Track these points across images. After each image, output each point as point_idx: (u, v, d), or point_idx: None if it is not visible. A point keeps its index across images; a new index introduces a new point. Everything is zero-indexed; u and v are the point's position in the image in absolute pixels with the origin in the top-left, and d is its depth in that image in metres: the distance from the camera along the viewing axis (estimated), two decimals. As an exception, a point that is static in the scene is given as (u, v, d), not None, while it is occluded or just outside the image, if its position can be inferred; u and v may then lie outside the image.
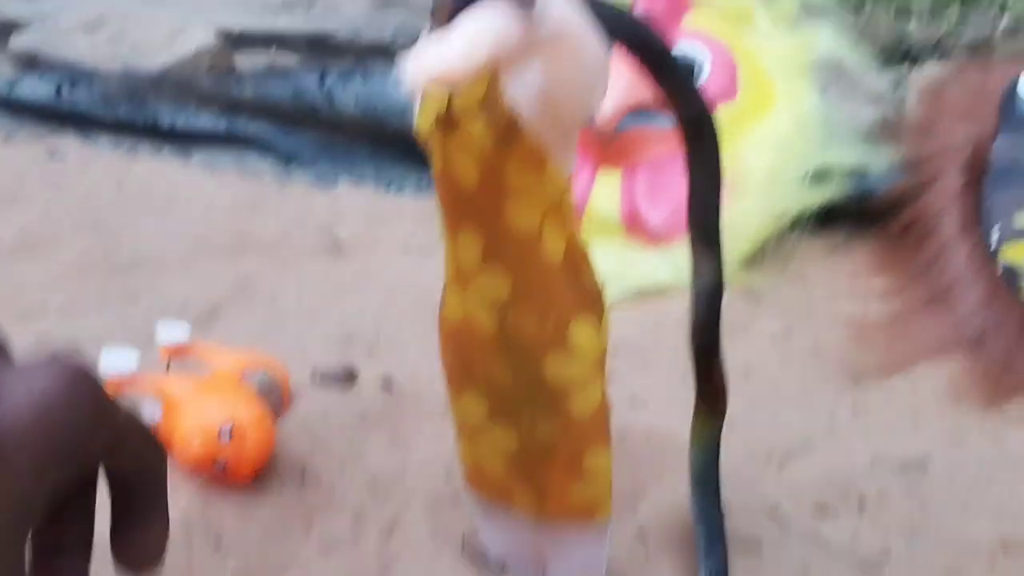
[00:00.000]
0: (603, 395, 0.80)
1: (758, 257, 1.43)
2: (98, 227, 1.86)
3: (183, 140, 2.17)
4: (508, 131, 0.67)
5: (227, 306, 1.56)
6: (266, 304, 1.55)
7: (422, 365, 1.29)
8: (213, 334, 1.48)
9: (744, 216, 1.40)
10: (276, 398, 1.16)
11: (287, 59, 2.52)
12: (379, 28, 2.46)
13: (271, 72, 2.03)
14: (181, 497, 1.02)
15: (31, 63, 2.45)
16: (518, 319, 0.75)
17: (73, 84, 2.28)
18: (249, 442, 1.01)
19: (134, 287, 1.64)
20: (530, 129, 0.67)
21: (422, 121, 0.71)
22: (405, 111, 1.88)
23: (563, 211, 0.73)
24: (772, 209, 1.42)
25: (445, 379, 0.85)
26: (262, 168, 2.05)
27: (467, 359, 0.80)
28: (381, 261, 1.63)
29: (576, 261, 0.75)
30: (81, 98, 2.26)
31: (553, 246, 0.73)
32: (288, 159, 2.05)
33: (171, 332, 1.17)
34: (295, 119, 2.02)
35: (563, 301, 0.75)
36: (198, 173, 2.07)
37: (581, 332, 0.76)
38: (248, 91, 2.04)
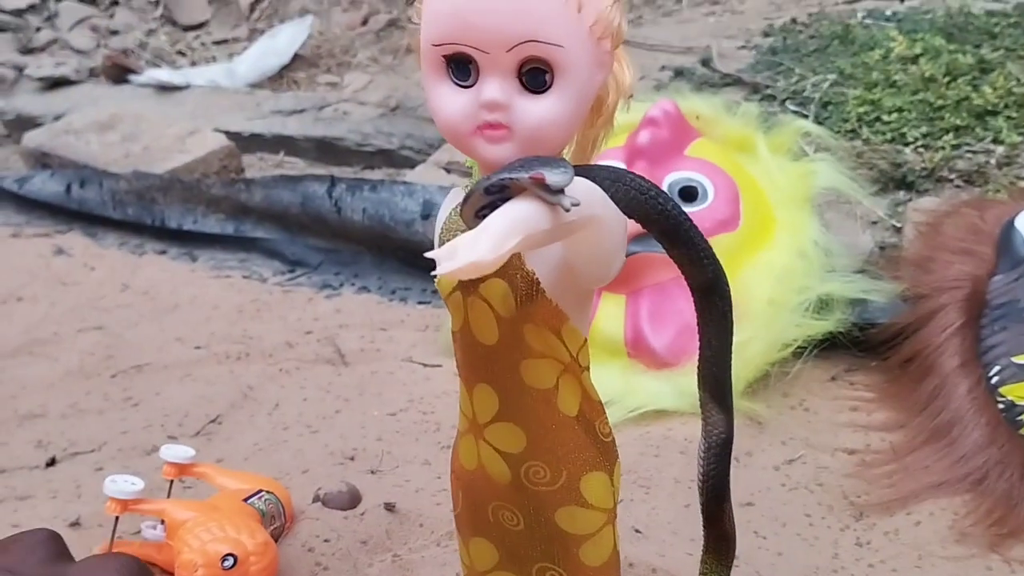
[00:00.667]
0: (614, 545, 0.80)
1: (760, 385, 1.45)
2: (102, 329, 1.87)
3: (189, 241, 2.19)
4: (528, 295, 0.69)
5: (228, 415, 1.56)
6: (267, 415, 1.55)
7: (425, 486, 1.29)
8: (214, 444, 1.48)
9: (746, 344, 1.41)
10: (279, 521, 1.15)
11: (296, 163, 2.58)
12: (387, 135, 2.52)
13: (280, 179, 2.06)
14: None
15: (43, 160, 2.50)
16: (533, 471, 0.75)
17: (83, 183, 2.32)
18: (252, 570, 1.00)
19: (135, 392, 1.64)
20: (550, 295, 0.69)
21: (443, 281, 0.73)
22: (411, 223, 1.93)
23: (579, 367, 0.74)
24: (774, 337, 1.44)
25: (455, 524, 0.85)
26: (267, 272, 2.08)
27: (480, 506, 0.80)
28: (383, 373, 1.64)
29: (590, 415, 0.76)
30: (90, 197, 2.30)
31: (568, 401, 0.74)
32: (293, 264, 2.08)
33: (175, 452, 1.17)
34: (302, 225, 2.06)
35: (577, 455, 0.75)
36: (203, 276, 2.09)
37: (594, 485, 0.76)
38: (257, 196, 2.07)
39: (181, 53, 3.36)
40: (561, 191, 0.58)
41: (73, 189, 2.32)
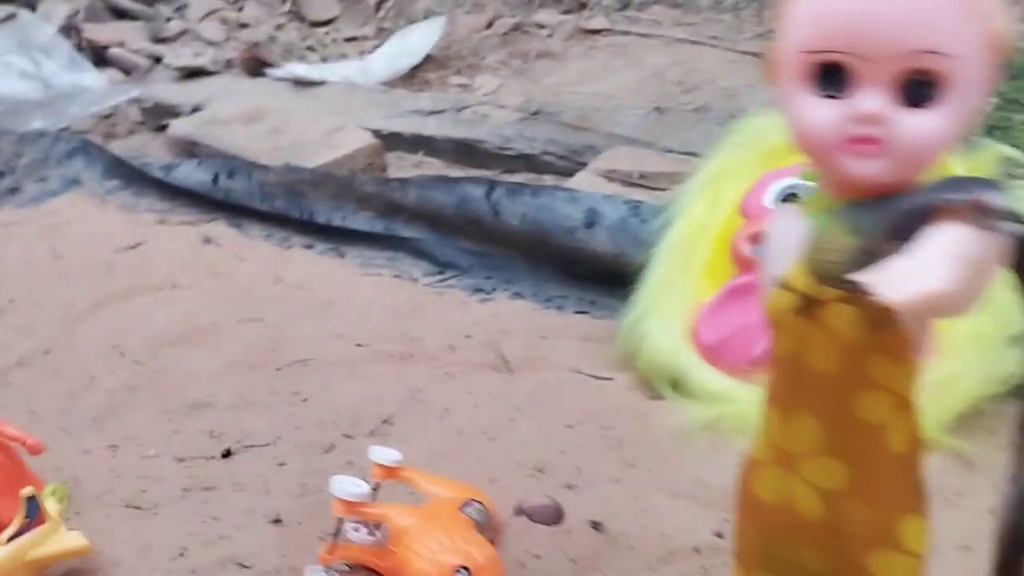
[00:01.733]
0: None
1: (968, 421, 1.38)
2: (261, 321, 1.87)
3: (337, 237, 2.19)
4: (881, 322, 0.65)
5: (399, 417, 1.54)
6: (438, 419, 1.53)
7: (626, 506, 1.25)
8: (390, 447, 1.46)
9: (952, 378, 1.35)
10: (488, 534, 1.12)
11: (434, 163, 2.57)
12: (528, 139, 2.50)
13: (436, 180, 2.05)
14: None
15: (190, 149, 2.53)
16: (851, 510, 0.71)
17: (231, 174, 2.33)
18: (483, 586, 0.97)
19: (303, 388, 1.63)
20: (905, 323, 0.65)
21: (776, 302, 0.69)
22: (572, 231, 1.89)
23: (913, 401, 0.70)
24: (980, 371, 1.37)
25: (736, 555, 0.81)
26: (416, 272, 2.06)
27: (775, 542, 0.76)
28: (553, 383, 1.61)
29: (916, 455, 0.71)
30: (238, 187, 2.32)
31: (899, 438, 0.70)
32: (443, 265, 2.06)
33: (384, 455, 1.15)
34: (455, 226, 2.04)
35: (899, 496, 0.71)
36: (353, 273, 2.08)
37: (913, 529, 0.71)
38: (411, 196, 2.06)
39: (311, 49, 3.39)
40: (1001, 215, 0.53)
41: (221, 179, 2.34)
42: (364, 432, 1.50)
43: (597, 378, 1.61)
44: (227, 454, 1.46)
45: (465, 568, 0.96)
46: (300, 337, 1.81)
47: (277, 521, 1.22)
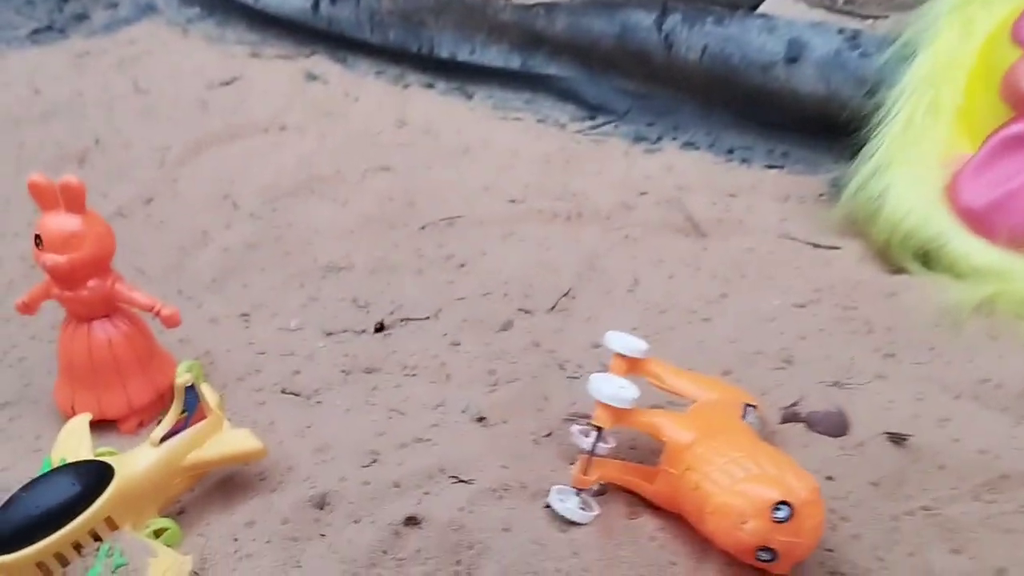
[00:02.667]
0: None
1: None
2: (390, 171, 1.59)
3: (461, 74, 1.88)
4: None
5: (580, 290, 1.26)
6: (627, 292, 1.26)
7: (919, 413, 0.98)
8: (576, 326, 1.20)
9: None
10: (766, 447, 0.86)
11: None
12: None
13: (593, 5, 1.70)
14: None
15: (283, -30, 2.17)
16: None
17: (334, 0, 2.00)
18: (806, 525, 0.71)
19: (455, 250, 1.36)
20: None
21: None
22: (769, 67, 1.56)
23: None
24: None
25: None
26: (562, 117, 1.75)
27: None
28: (762, 252, 1.32)
29: None
30: (344, 16, 1.99)
31: None
32: (594, 109, 1.75)
33: (625, 343, 0.88)
34: (611, 62, 1.71)
35: None
36: (486, 116, 1.78)
37: None
38: (558, 25, 1.73)
39: None
40: None
41: (322, 5, 2.01)
42: (543, 307, 1.23)
43: (819, 246, 1.32)
44: (380, 328, 1.20)
45: (786, 503, 0.70)
46: (439, 190, 1.52)
47: (480, 419, 0.97)
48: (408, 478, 0.86)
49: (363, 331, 1.20)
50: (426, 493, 0.84)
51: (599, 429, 0.78)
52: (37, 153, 1.64)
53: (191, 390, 0.81)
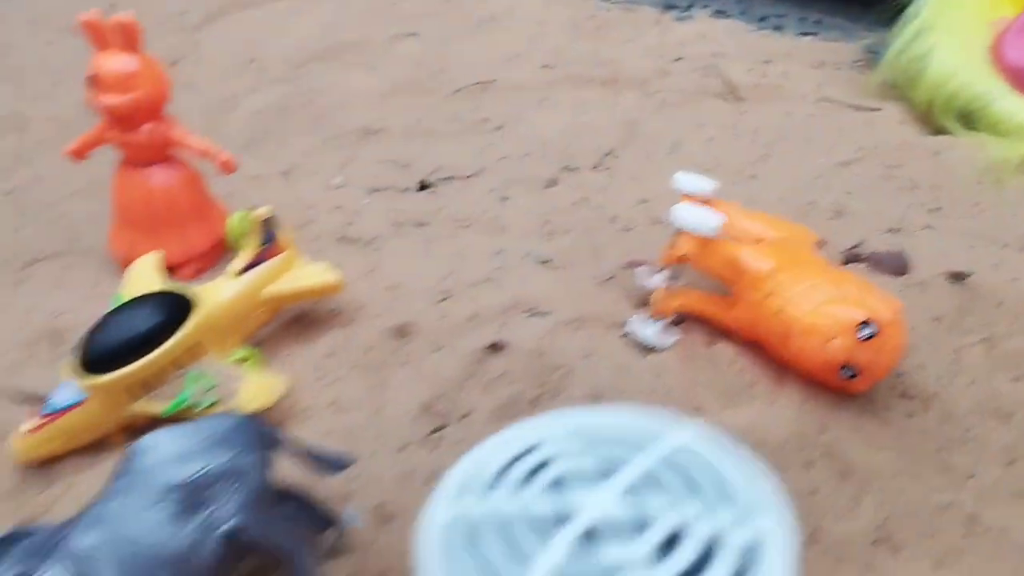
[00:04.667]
0: None
1: None
2: (417, 36, 1.56)
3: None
4: None
5: (622, 150, 1.26)
6: (669, 154, 1.25)
7: (969, 257, 0.99)
8: (621, 181, 1.19)
9: None
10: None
11: None
12: None
13: None
14: (792, 402, 0.76)
15: None
16: None
17: None
18: (889, 344, 0.73)
19: (490, 114, 1.34)
20: None
21: None
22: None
23: None
24: None
25: None
26: (587, -15, 1.72)
27: None
28: (802, 115, 1.31)
29: None
30: None
31: None
32: (620, -22, 1.71)
33: (694, 183, 0.88)
34: (638, -71, 1.66)
35: None
36: (511, -16, 1.74)
37: None
38: None
39: None
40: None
41: None
42: (587, 165, 1.22)
43: (859, 108, 1.32)
44: (424, 186, 1.19)
45: (871, 322, 0.72)
46: (469, 56, 1.50)
47: (546, 262, 0.97)
48: (484, 311, 0.86)
49: (407, 189, 1.19)
50: (504, 325, 0.85)
51: (680, 260, 0.78)
52: (50, 19, 1.59)
53: (269, 223, 0.80)
